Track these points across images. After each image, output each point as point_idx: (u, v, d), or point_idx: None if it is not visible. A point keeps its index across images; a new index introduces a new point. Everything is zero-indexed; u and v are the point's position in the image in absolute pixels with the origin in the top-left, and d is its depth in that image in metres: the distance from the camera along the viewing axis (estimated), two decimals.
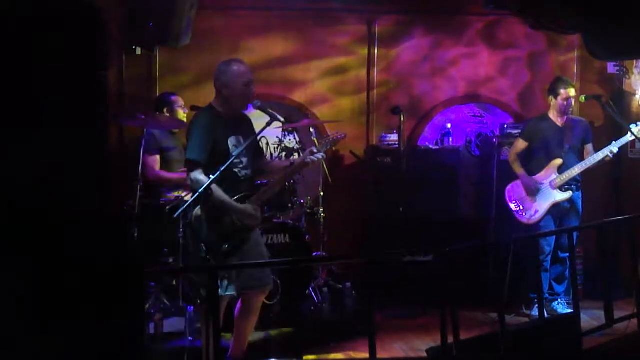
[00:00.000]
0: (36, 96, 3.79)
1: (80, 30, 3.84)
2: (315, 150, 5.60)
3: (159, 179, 7.25)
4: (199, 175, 5.29)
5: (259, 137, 5.89)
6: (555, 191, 7.50)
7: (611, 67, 9.09)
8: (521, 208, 7.61)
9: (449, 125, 9.08)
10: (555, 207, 7.53)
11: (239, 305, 5.64)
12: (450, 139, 9.01)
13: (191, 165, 5.39)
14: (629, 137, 7.40)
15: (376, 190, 8.33)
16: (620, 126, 7.77)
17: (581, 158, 7.61)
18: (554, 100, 7.59)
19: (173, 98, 7.51)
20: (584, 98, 7.87)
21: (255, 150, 5.83)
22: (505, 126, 8.70)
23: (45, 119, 3.72)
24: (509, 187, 7.77)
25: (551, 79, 8.00)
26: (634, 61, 8.92)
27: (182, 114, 7.43)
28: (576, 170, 7.47)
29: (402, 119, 7.83)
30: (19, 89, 3.73)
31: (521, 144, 7.73)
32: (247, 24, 8.44)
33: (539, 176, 7.56)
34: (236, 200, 5.41)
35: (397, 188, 8.04)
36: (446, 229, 8.08)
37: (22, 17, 3.75)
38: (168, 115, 7.30)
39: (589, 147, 7.69)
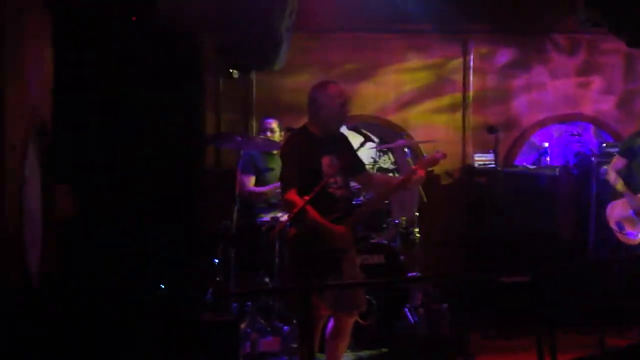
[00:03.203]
0: (135, 117, 3.91)
1: (178, 56, 3.96)
2: (415, 168, 5.57)
3: (252, 194, 7.36)
4: (293, 196, 5.30)
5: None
6: None
7: None
8: (623, 228, 7.42)
9: (546, 144, 8.95)
10: None
11: (330, 325, 5.63)
12: (548, 159, 8.88)
13: (285, 187, 5.42)
14: None
15: (472, 211, 8.26)
16: None
17: None
18: None
19: (266, 122, 7.63)
20: None
21: (355, 165, 5.81)
22: (604, 145, 8.54)
23: (143, 139, 3.84)
24: (609, 205, 7.58)
25: None
26: None
27: (278, 137, 7.53)
28: None
29: (498, 138, 7.77)
30: (119, 110, 3.86)
31: (620, 161, 7.52)
32: (340, 45, 8.53)
33: None
34: (332, 221, 5.39)
35: (494, 208, 7.95)
36: (545, 249, 7.95)
37: (123, 41, 3.88)
38: (263, 136, 7.41)
39: None
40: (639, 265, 7.06)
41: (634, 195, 7.38)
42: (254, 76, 8.31)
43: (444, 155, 5.78)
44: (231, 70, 8.10)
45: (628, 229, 7.41)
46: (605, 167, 7.90)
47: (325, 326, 5.76)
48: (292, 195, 5.29)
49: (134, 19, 3.80)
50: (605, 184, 7.79)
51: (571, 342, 7.08)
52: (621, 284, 7.41)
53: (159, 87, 3.94)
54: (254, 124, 8.35)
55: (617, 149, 7.90)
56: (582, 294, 7.58)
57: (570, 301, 7.39)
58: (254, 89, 8.40)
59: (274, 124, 7.61)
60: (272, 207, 7.30)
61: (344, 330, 5.62)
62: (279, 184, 7.09)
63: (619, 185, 7.46)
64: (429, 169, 5.70)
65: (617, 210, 7.51)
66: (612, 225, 7.52)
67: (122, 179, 3.83)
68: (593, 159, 8.35)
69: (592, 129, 9.22)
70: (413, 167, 5.68)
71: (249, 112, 8.38)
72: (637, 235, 7.36)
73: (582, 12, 7.25)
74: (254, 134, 7.99)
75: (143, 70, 3.91)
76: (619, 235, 7.46)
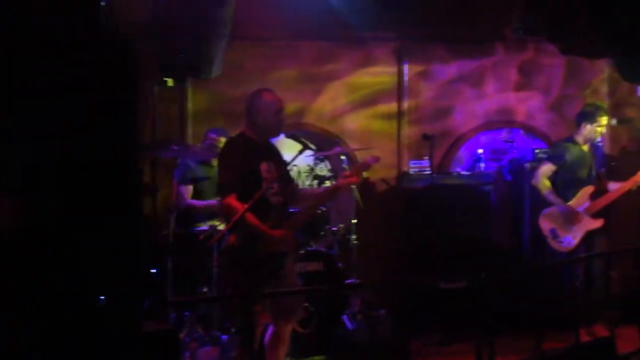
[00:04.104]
0: (71, 126, 3.85)
1: (111, 61, 3.91)
2: (347, 174, 5.61)
3: (190, 207, 7.30)
4: (232, 201, 5.27)
5: (291, 166, 5.87)
6: (588, 218, 7.42)
7: None
8: (557, 235, 7.51)
9: (480, 151, 9.05)
10: (588, 234, 7.45)
11: (269, 333, 5.63)
12: (482, 165, 8.98)
13: (224, 192, 5.38)
14: None
15: (409, 217, 8.31)
16: None
17: (602, 184, 7.55)
18: (588, 126, 7.48)
19: (210, 137, 7.53)
20: (615, 121, 7.79)
21: (286, 176, 5.82)
22: (537, 151, 8.68)
23: (80, 148, 3.78)
24: (542, 213, 7.67)
25: (581, 102, 7.97)
26: None
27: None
28: (609, 197, 7.40)
29: (433, 145, 7.84)
30: (55, 119, 3.79)
31: (549, 168, 7.61)
32: (278, 54, 8.53)
33: (572, 203, 7.47)
34: (269, 227, 5.38)
35: (430, 214, 8.01)
36: (481, 255, 8.03)
37: (56, 48, 3.82)
38: (200, 145, 7.37)
39: (602, 171, 7.64)
40: (573, 269, 7.16)
41: (564, 202, 7.49)
42: (189, 84, 8.25)
43: (377, 159, 5.80)
44: (166, 79, 8.03)
45: (561, 236, 7.50)
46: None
47: (263, 335, 5.76)
48: (232, 200, 5.24)
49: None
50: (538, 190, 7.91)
51: (509, 347, 7.18)
52: (557, 289, 7.52)
53: (95, 96, 3.89)
54: (190, 132, 8.28)
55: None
56: (519, 299, 7.68)
57: (508, 306, 7.49)
58: (190, 96, 8.34)
59: (220, 140, 7.41)
60: (210, 216, 7.24)
61: (282, 337, 5.63)
62: (216, 201, 7.07)
63: (550, 194, 7.56)
64: (364, 175, 5.73)
65: (549, 218, 7.60)
66: (546, 232, 7.59)
67: (58, 189, 3.76)
68: (526, 164, 8.48)
69: (522, 133, 9.39)
70: (345, 172, 5.73)
71: (184, 120, 8.31)
72: (569, 242, 7.46)
73: (518, 21, 7.36)
74: (190, 143, 7.93)
75: (79, 78, 3.85)
76: (551, 242, 7.53)
